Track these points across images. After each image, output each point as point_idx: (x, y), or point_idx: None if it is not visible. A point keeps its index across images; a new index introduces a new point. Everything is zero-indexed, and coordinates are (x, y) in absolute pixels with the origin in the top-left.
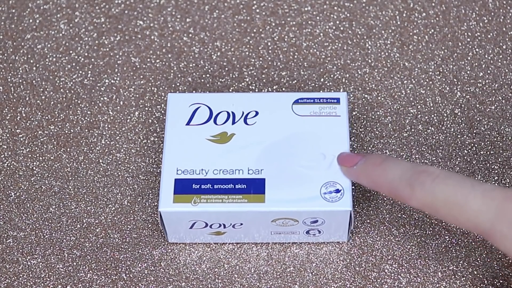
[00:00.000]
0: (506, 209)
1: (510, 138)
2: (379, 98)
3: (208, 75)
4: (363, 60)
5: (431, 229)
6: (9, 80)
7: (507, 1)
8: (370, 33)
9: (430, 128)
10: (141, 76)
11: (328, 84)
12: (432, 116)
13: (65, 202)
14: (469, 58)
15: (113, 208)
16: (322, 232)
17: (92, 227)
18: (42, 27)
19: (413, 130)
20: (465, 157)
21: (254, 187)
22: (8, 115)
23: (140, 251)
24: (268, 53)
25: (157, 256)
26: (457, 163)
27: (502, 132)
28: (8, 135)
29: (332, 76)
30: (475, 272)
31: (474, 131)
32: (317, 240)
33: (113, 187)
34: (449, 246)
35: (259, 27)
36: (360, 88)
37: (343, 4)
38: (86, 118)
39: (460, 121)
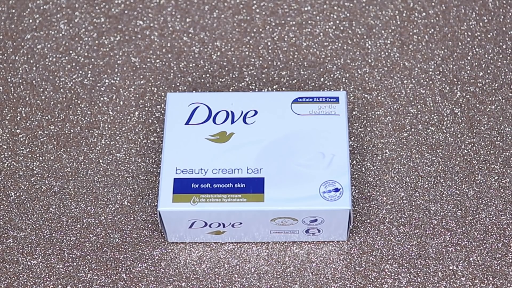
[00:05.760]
0: None
1: (510, 138)
2: (379, 97)
3: (208, 75)
4: (363, 60)
5: (431, 229)
6: (9, 80)
7: (507, 1)
8: (370, 33)
9: (430, 128)
10: (141, 76)
11: (328, 83)
12: (432, 116)
13: (65, 202)
14: (469, 58)
15: (113, 208)
16: (322, 231)
17: (92, 227)
18: (42, 27)
19: (413, 130)
20: (465, 157)
21: (253, 186)
22: (8, 115)
23: (140, 251)
24: (268, 53)
25: (157, 256)
26: (457, 163)
27: (502, 132)
28: (8, 135)
29: (332, 75)
30: (475, 272)
31: (474, 131)
32: (316, 239)
33: (113, 187)
34: (449, 246)
35: (259, 27)
36: (360, 88)
37: (343, 4)
38: (86, 118)
39: (460, 121)
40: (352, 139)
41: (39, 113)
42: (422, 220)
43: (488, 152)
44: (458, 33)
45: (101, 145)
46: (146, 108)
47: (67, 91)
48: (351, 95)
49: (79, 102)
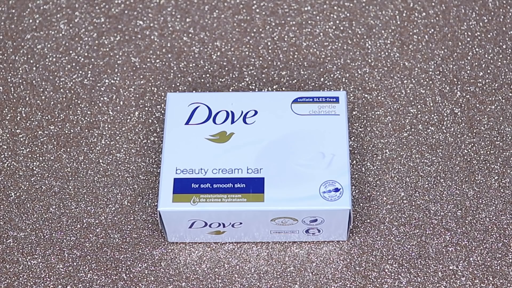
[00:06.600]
0: None
1: (510, 137)
2: (379, 97)
3: (208, 75)
4: (363, 60)
5: (431, 229)
6: (9, 80)
7: (507, 1)
8: (370, 33)
9: (430, 128)
10: (141, 76)
11: (328, 83)
12: (432, 116)
13: (65, 202)
14: (469, 57)
15: (113, 208)
16: (322, 231)
17: (92, 227)
18: (42, 27)
19: (413, 130)
20: (465, 157)
21: (253, 186)
22: (8, 115)
23: (140, 251)
24: (268, 53)
25: (157, 256)
26: (457, 163)
27: (502, 131)
28: (8, 135)
29: (332, 75)
30: (475, 272)
31: (474, 131)
32: (316, 239)
33: (113, 187)
34: (449, 246)
35: (259, 27)
36: (360, 88)
37: (343, 4)
38: (86, 118)
39: (460, 121)
40: (352, 139)
41: (39, 113)
42: (422, 220)
43: (488, 152)
44: (458, 33)
45: (101, 145)
46: (146, 108)
47: (67, 91)
48: (351, 95)
49: (79, 102)
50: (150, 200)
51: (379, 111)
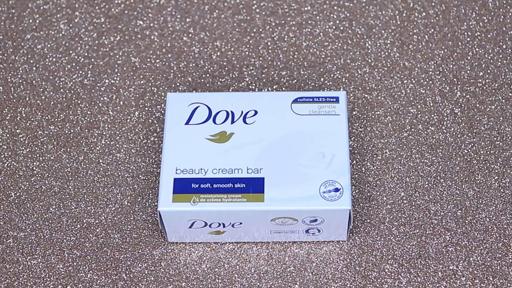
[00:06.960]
0: None
1: (510, 137)
2: (379, 97)
3: (208, 75)
4: (363, 60)
5: (431, 229)
6: (9, 80)
7: (507, 1)
8: (370, 33)
9: (430, 128)
10: (141, 76)
11: (328, 83)
12: (432, 116)
13: (65, 202)
14: (469, 57)
15: (113, 208)
16: (322, 231)
17: (92, 227)
18: (42, 27)
19: (413, 130)
20: (465, 157)
21: (253, 186)
22: (8, 115)
23: (140, 251)
24: (268, 53)
25: (157, 256)
26: (457, 163)
27: (502, 131)
28: (8, 135)
29: (332, 75)
30: (475, 272)
31: (474, 131)
32: (316, 239)
33: (113, 187)
34: (449, 246)
35: (259, 27)
36: (360, 88)
37: (343, 4)
38: (86, 118)
39: (460, 120)
40: (352, 139)
41: (39, 113)
42: (422, 220)
43: (488, 152)
44: (458, 33)
45: (101, 145)
46: (146, 108)
47: (67, 91)
48: (351, 95)
49: (79, 102)
50: (150, 200)
51: (379, 111)
